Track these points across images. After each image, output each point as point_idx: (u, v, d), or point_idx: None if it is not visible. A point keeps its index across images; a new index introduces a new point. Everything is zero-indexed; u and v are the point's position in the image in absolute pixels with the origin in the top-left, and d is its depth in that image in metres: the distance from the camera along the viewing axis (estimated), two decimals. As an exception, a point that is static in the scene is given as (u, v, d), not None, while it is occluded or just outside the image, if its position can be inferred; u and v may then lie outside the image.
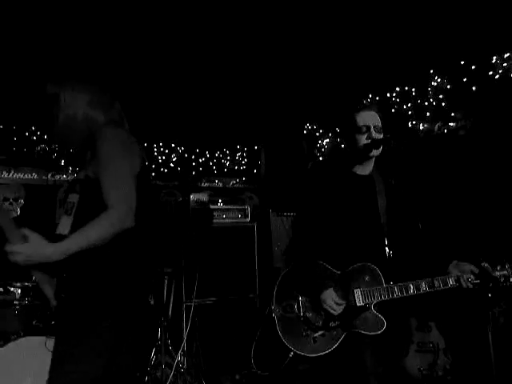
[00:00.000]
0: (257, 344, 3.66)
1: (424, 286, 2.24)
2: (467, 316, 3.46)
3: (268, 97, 5.21)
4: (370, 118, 2.31)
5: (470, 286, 2.22)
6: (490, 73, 3.61)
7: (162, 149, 6.18)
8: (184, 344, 3.83)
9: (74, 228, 1.73)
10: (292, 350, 2.26)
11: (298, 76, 4.85)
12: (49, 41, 4.13)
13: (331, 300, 2.19)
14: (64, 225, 1.78)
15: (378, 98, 4.50)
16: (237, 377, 3.90)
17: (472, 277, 2.23)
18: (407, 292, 2.23)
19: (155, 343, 3.74)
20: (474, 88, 3.76)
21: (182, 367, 3.74)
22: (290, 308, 2.31)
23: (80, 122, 1.88)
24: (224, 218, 4.50)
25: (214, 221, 4.41)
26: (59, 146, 1.92)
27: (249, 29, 4.22)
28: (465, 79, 3.81)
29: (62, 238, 1.70)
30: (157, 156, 6.17)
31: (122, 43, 4.35)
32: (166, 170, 6.19)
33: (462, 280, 2.22)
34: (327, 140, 5.38)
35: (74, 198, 1.79)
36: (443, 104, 4.01)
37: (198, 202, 4.29)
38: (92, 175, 1.78)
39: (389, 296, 2.23)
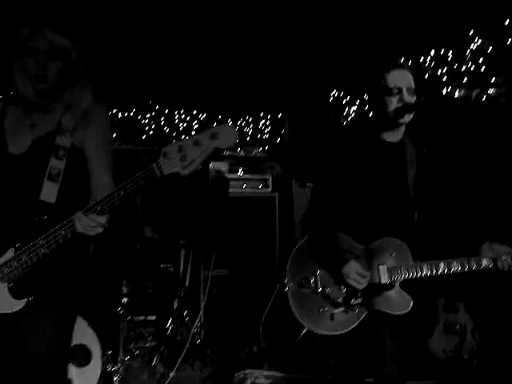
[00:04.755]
0: (266, 319, 3.58)
1: (456, 266, 2.06)
2: (503, 300, 3.27)
3: (292, 63, 4.97)
4: (402, 79, 2.08)
5: (508, 267, 2.02)
6: (538, 33, 3.29)
7: (183, 116, 6.07)
8: (201, 315, 3.78)
9: (61, 196, 1.70)
10: (305, 327, 2.13)
11: (323, 40, 4.59)
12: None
13: (355, 272, 2.03)
14: (49, 192, 1.69)
15: (410, 63, 4.20)
16: (254, 349, 3.85)
17: (511, 260, 2.04)
18: (437, 271, 2.06)
19: (171, 314, 3.70)
20: (518, 50, 3.44)
21: (198, 338, 3.69)
22: (306, 282, 2.16)
23: (81, 93, 1.81)
24: (244, 188, 4.35)
25: (234, 191, 4.28)
26: (41, 100, 1.74)
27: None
28: (509, 41, 3.48)
29: (47, 205, 1.68)
30: (178, 123, 6.06)
31: (144, 14, 4.18)
32: (187, 138, 6.06)
33: (499, 262, 2.03)
34: (354, 108, 5.13)
35: (58, 164, 1.71)
36: (482, 69, 3.69)
37: (216, 170, 4.15)
38: (78, 145, 1.77)
39: (417, 274, 2.06)
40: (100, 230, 1.60)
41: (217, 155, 5.94)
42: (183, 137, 6.02)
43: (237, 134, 1.51)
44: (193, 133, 6.07)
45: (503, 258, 2.03)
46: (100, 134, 1.81)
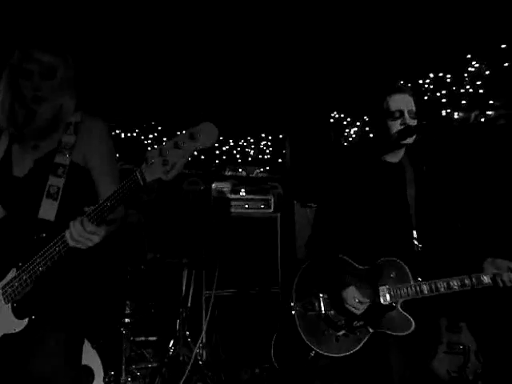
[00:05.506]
0: (276, 341, 3.56)
1: (456, 285, 2.06)
2: (506, 319, 3.26)
3: (294, 84, 5.04)
4: (403, 102, 2.13)
5: (509, 283, 2.02)
6: (535, 57, 3.36)
7: (185, 137, 6.09)
8: (203, 336, 3.76)
9: (61, 213, 1.69)
10: (313, 349, 2.14)
11: (325, 62, 4.67)
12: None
13: (353, 299, 2.06)
14: (48, 209, 1.69)
15: (409, 85, 4.27)
16: (256, 371, 3.81)
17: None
18: (437, 290, 2.07)
19: (173, 335, 3.68)
20: (515, 74, 3.51)
21: (200, 359, 3.66)
22: (311, 305, 2.18)
23: (69, 105, 1.80)
24: (246, 208, 4.38)
25: (237, 211, 4.30)
26: (25, 121, 1.78)
27: (273, 12, 4.05)
28: (506, 64, 3.55)
29: (47, 223, 1.68)
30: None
31: (148, 34, 4.26)
32: (189, 158, 6.09)
33: (498, 279, 2.03)
34: (355, 129, 5.18)
35: (57, 182, 1.71)
36: (481, 91, 3.76)
37: (218, 191, 4.19)
38: (81, 163, 1.77)
39: (417, 294, 2.07)
40: (90, 243, 1.56)
41: (219, 175, 5.99)
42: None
43: (217, 132, 1.45)
44: (195, 153, 6.10)
45: (504, 274, 2.02)
46: (101, 147, 1.80)
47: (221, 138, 6.22)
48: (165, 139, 5.96)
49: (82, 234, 1.53)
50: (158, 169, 1.44)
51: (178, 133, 1.47)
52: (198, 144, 1.43)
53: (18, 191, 1.76)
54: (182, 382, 3.34)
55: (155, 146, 1.51)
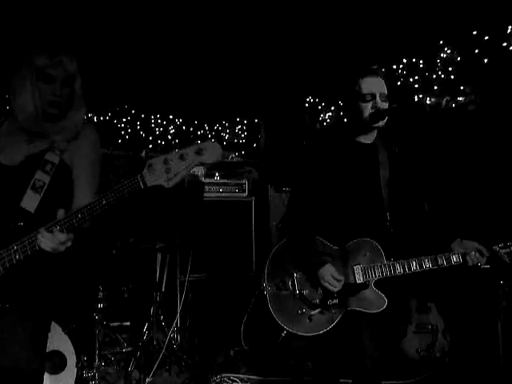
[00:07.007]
0: (247, 322, 3.60)
1: (427, 263, 2.12)
2: (472, 300, 3.37)
3: (269, 69, 5.02)
4: (375, 85, 2.14)
5: (476, 262, 2.10)
6: (504, 44, 3.41)
7: (159, 120, 6.03)
8: (177, 320, 3.76)
9: (42, 207, 1.72)
10: (285, 329, 2.15)
11: (300, 47, 4.66)
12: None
13: (330, 276, 2.07)
14: (30, 201, 1.72)
15: (383, 70, 4.30)
16: (231, 353, 3.85)
17: (479, 256, 2.10)
18: (410, 269, 2.12)
19: (148, 319, 3.67)
20: (485, 60, 3.56)
21: (174, 343, 3.67)
22: (284, 285, 2.19)
23: (81, 114, 1.86)
24: (221, 192, 4.37)
25: (211, 195, 4.29)
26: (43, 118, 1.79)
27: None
28: (476, 51, 3.61)
29: (26, 213, 1.71)
30: (154, 128, 6.01)
31: (121, 15, 4.16)
32: (163, 142, 6.04)
33: (467, 257, 2.10)
34: (330, 114, 5.21)
35: (44, 177, 1.75)
36: (452, 77, 3.81)
37: (192, 175, 4.16)
38: (69, 164, 1.81)
39: (390, 273, 2.11)
40: (62, 248, 1.58)
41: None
42: (159, 141, 5.98)
43: (221, 151, 1.57)
44: (169, 137, 6.04)
45: (472, 253, 2.10)
46: (88, 153, 1.83)
47: (195, 122, 6.16)
48: (138, 123, 5.88)
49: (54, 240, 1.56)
50: (160, 176, 1.53)
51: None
52: (202, 159, 1.54)
53: (4, 179, 1.75)
54: (156, 365, 3.34)
55: (159, 155, 1.59)
